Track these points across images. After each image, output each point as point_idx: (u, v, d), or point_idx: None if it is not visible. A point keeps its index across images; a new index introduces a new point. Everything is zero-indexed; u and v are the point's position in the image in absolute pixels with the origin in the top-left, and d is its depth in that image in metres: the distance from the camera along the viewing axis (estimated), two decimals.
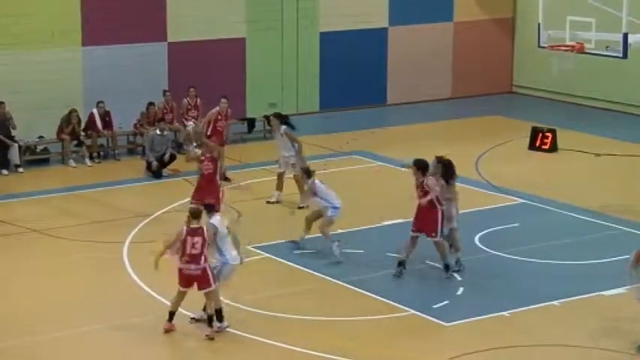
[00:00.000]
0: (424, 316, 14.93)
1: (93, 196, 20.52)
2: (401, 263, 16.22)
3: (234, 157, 23.44)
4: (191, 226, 14.05)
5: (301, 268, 16.68)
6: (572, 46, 19.62)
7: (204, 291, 14.10)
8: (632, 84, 27.16)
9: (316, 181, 17.28)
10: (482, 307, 15.27)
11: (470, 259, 16.88)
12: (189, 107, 24.42)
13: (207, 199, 16.01)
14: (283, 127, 19.91)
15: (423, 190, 15.98)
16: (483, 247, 17.40)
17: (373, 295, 15.49)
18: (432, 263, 16.64)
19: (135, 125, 23.88)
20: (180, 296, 14.27)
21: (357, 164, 22.82)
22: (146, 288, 15.86)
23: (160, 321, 14.51)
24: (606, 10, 19.13)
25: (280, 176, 20.00)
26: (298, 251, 17.30)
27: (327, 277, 16.26)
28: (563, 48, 19.90)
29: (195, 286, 14.10)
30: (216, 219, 14.42)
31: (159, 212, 19.40)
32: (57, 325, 14.66)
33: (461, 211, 17.48)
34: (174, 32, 25.43)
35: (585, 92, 28.32)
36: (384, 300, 15.38)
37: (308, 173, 17.42)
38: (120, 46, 24.70)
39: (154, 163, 21.86)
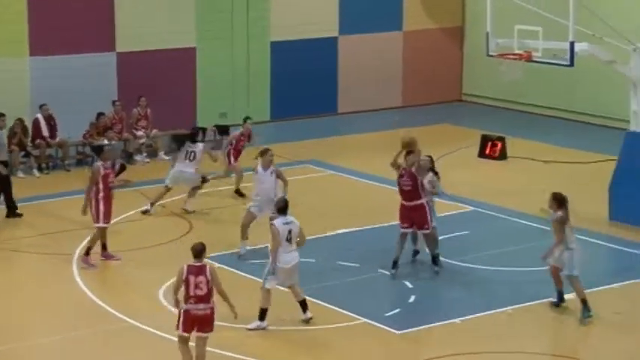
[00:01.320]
0: (376, 324, 14.96)
1: (42, 207, 20.32)
2: (395, 263, 16.47)
3: None
4: (192, 264, 12.92)
5: (253, 278, 16.63)
6: (520, 55, 19.80)
7: (204, 335, 12.88)
8: (579, 92, 27.47)
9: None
10: (434, 314, 15.34)
11: (421, 267, 16.95)
12: (140, 117, 24.29)
13: None
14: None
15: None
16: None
17: (325, 304, 15.48)
18: (383, 271, 16.68)
19: (84, 135, 23.70)
20: (185, 346, 12.95)
21: (309, 173, 22.83)
22: (96, 299, 15.73)
23: (112, 332, 14.36)
24: (553, 19, 19.33)
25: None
26: (249, 261, 17.25)
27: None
28: (511, 56, 20.07)
29: (195, 329, 12.82)
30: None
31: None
32: (5, 337, 14.47)
33: None
34: (123, 42, 25.29)
35: (533, 100, 28.59)
36: (336, 309, 15.38)
37: None
38: (68, 56, 24.51)
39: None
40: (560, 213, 15.17)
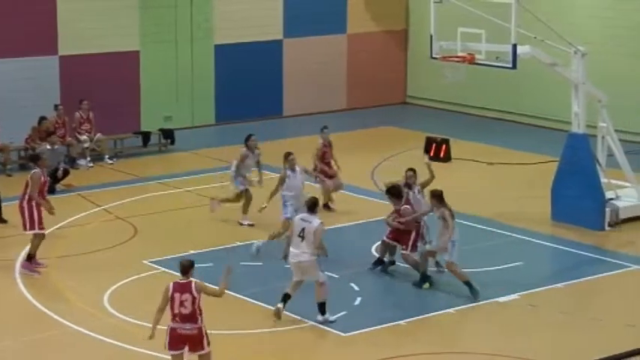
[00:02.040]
0: (322, 327, 14.96)
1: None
2: (380, 262, 16.87)
3: (129, 170, 23.22)
4: (177, 281, 12.56)
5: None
6: (464, 57, 19.93)
7: (198, 353, 12.54)
8: (522, 94, 27.74)
9: None
10: (380, 316, 15.37)
11: (366, 270, 16.99)
12: (82, 121, 24.08)
13: None
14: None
15: (399, 215, 16.59)
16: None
17: (273, 308, 15.45)
18: (329, 274, 16.68)
19: (26, 140, 23.42)
20: None
21: (254, 177, 22.74)
22: (39, 306, 15.56)
23: (56, 337, 14.19)
24: (496, 22, 19.49)
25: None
26: (195, 265, 17.13)
27: (226, 290, 16.16)
28: (454, 59, 20.20)
29: (186, 348, 12.49)
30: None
31: (53, 228, 19.03)
32: None
33: (357, 222, 17.59)
34: (65, 45, 25.05)
35: (477, 103, 28.82)
36: (284, 312, 15.35)
37: None
38: (10, 60, 24.24)
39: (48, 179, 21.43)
40: (444, 209, 15.92)
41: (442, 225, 16.04)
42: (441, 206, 16.03)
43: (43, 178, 16.98)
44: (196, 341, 12.46)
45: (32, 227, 16.76)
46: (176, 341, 12.43)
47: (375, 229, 18.58)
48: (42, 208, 16.87)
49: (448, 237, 15.90)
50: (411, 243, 16.55)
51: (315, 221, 14.88)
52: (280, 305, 14.98)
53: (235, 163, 19.49)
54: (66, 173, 21.87)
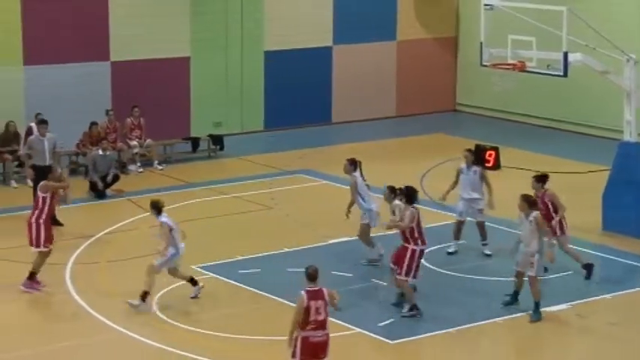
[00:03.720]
0: (369, 334, 14.93)
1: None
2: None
3: (178, 176, 23.38)
4: (309, 288, 12.39)
5: (246, 287, 16.62)
6: (514, 65, 19.82)
7: None
8: (573, 102, 27.51)
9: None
10: (429, 324, 15.31)
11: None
12: (133, 127, 24.28)
13: None
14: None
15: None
16: (429, 265, 17.43)
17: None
18: (376, 281, 16.66)
19: (77, 145, 23.67)
20: None
21: (303, 183, 22.82)
22: (89, 309, 15.69)
23: (106, 342, 14.31)
24: (547, 30, 19.36)
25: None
26: (243, 271, 17.24)
27: (271, 297, 16.22)
28: (504, 66, 20.09)
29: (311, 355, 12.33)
30: (164, 216, 15.19)
31: (102, 233, 19.24)
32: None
33: None
34: (117, 51, 25.29)
35: (527, 110, 28.62)
36: (330, 319, 15.32)
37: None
38: (62, 65, 24.51)
39: (99, 184, 21.66)
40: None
41: (530, 231, 15.46)
42: (533, 211, 15.56)
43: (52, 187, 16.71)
44: (325, 347, 12.34)
45: (38, 245, 16.44)
46: (308, 350, 12.24)
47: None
48: (50, 226, 16.56)
49: (537, 245, 15.37)
50: (405, 267, 15.39)
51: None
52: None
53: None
54: (116, 178, 22.05)
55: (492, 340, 15.04)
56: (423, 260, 15.93)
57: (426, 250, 15.94)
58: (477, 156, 24.11)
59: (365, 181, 17.65)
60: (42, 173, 18.88)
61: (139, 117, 24.32)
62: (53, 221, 19.34)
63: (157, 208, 15.63)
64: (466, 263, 17.73)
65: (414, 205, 15.51)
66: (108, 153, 22.27)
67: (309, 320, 12.14)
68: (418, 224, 15.44)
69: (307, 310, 12.15)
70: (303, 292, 12.25)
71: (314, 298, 12.18)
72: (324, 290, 12.31)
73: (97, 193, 21.63)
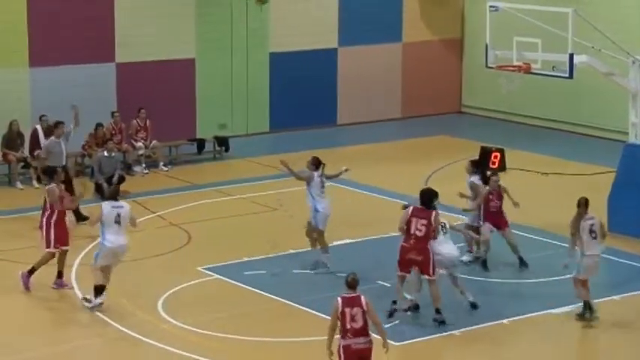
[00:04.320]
0: (374, 336, 14.90)
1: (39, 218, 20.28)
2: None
3: (184, 177, 23.39)
4: (345, 295, 12.28)
5: (251, 289, 16.62)
6: (519, 67, 19.82)
7: None
8: (578, 104, 27.49)
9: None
10: (433, 326, 15.30)
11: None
12: (139, 128, 24.30)
13: None
14: None
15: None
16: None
17: (323, 315, 15.45)
18: (382, 283, 16.65)
19: (83, 146, 23.69)
20: None
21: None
22: (94, 310, 15.70)
23: (111, 342, 14.31)
24: (552, 31, 19.35)
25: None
26: (249, 272, 17.25)
27: (277, 298, 16.23)
28: (510, 68, 20.08)
29: None
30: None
31: None
32: (2, 349, 14.45)
33: None
34: (122, 53, 25.31)
35: (533, 112, 28.60)
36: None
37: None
38: (67, 67, 24.53)
39: (105, 185, 21.66)
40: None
41: (591, 237, 15.45)
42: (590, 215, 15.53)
43: (58, 192, 16.59)
44: (368, 355, 12.18)
45: (48, 245, 16.40)
46: (351, 358, 12.09)
47: None
48: (64, 225, 16.47)
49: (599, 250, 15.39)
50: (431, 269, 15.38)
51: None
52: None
53: None
54: (121, 180, 22.04)
55: (497, 343, 15.02)
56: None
57: None
58: (483, 157, 24.24)
59: (324, 183, 17.38)
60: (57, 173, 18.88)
61: (146, 119, 24.34)
62: (78, 216, 19.38)
63: None
64: (472, 266, 17.69)
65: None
66: (113, 154, 22.29)
67: (346, 328, 12.03)
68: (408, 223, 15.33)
69: (342, 316, 12.04)
70: (338, 298, 12.19)
71: (349, 305, 12.08)
72: (362, 298, 12.16)
73: (103, 194, 21.61)
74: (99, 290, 15.50)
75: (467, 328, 15.20)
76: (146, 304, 15.93)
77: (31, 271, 16.47)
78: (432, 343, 14.85)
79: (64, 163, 19.97)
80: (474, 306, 15.61)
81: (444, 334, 15.03)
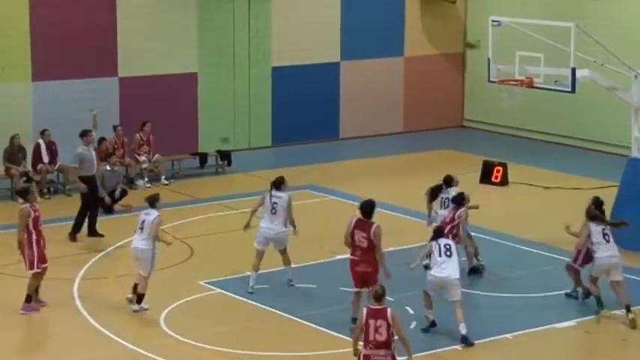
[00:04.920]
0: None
1: (43, 232, 20.24)
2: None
3: (186, 191, 23.39)
4: (371, 306, 12.37)
5: (253, 303, 16.60)
6: (522, 81, 19.83)
7: None
8: (580, 118, 27.50)
9: None
10: (436, 340, 15.27)
11: (420, 293, 16.89)
12: (142, 142, 24.31)
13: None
14: None
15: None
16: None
17: (327, 330, 15.44)
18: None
19: None
20: None
21: (310, 198, 22.81)
22: (97, 325, 15.67)
23: (114, 358, 14.29)
24: (554, 46, 19.37)
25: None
26: (257, 286, 17.20)
27: (279, 312, 16.20)
28: (512, 82, 20.10)
29: None
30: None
31: (111, 248, 19.25)
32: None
33: (414, 245, 17.48)
34: (125, 67, 25.35)
35: (535, 126, 28.62)
36: (338, 335, 15.32)
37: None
38: (70, 81, 24.57)
39: (107, 199, 21.66)
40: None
41: (604, 240, 16.19)
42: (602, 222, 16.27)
43: (33, 214, 16.21)
44: None
45: (31, 267, 16.11)
46: None
47: None
48: (42, 244, 16.19)
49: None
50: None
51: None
52: None
53: None
54: (124, 193, 22.07)
55: (497, 357, 14.99)
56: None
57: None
58: (485, 172, 24.23)
59: (274, 203, 17.07)
60: (90, 183, 19.75)
61: (149, 134, 24.36)
62: (92, 232, 19.50)
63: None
64: (474, 280, 17.66)
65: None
66: (116, 168, 22.30)
67: (369, 339, 12.05)
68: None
69: (367, 327, 12.07)
70: (364, 309, 12.27)
71: (374, 317, 12.10)
72: (389, 311, 12.18)
73: (105, 208, 21.63)
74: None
75: (480, 341, 15.15)
76: (148, 319, 15.90)
77: (29, 299, 16.24)
78: (437, 355, 14.80)
79: (94, 172, 19.97)
80: (464, 340, 15.14)
81: (447, 348, 14.99)
